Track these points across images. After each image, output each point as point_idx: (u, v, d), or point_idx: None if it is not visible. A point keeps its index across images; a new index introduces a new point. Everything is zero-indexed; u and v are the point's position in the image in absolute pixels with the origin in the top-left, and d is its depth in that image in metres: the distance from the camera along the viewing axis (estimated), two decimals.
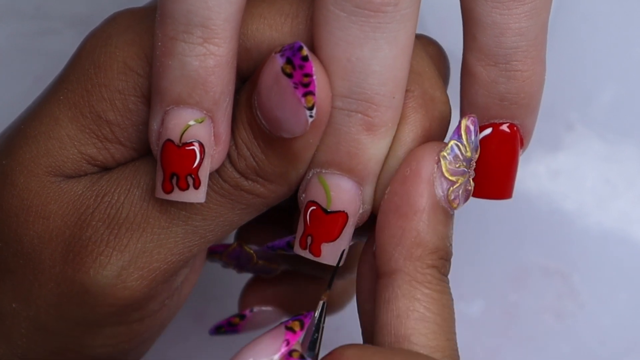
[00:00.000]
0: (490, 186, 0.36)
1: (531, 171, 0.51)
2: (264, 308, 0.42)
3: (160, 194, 0.34)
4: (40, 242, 0.35)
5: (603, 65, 0.51)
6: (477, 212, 0.51)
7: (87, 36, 0.36)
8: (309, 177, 0.35)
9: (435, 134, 0.36)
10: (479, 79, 0.35)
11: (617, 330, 0.50)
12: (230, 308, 0.50)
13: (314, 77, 0.32)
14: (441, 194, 0.34)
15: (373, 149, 0.34)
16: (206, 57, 0.33)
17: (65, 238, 0.35)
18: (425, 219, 0.34)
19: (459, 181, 0.34)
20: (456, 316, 0.50)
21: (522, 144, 0.37)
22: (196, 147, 0.34)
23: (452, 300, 0.35)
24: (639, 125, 0.51)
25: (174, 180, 0.34)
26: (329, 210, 0.35)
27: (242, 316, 0.42)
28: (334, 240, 0.35)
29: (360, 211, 0.35)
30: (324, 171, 0.35)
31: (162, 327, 0.38)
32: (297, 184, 0.36)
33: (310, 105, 0.33)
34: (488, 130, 0.36)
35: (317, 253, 0.35)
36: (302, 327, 0.32)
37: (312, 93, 0.33)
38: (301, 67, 0.33)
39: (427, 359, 0.33)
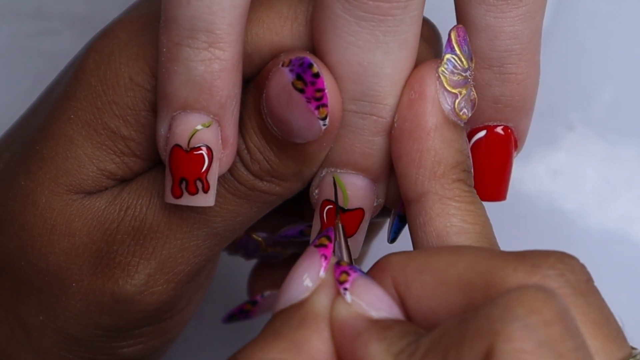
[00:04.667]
0: (484, 188, 0.37)
1: (531, 171, 0.51)
2: (274, 292, 0.43)
3: (170, 199, 0.34)
4: (67, 258, 0.36)
5: (603, 65, 0.51)
6: None
7: (88, 49, 0.36)
8: (322, 175, 0.35)
9: None
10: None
11: None
12: (231, 306, 0.50)
13: (326, 91, 0.33)
14: (448, 108, 0.34)
15: (387, 148, 0.34)
16: (211, 62, 0.33)
17: (92, 253, 0.36)
18: (439, 137, 0.34)
19: (462, 92, 0.34)
20: None
21: (517, 146, 0.37)
22: (204, 152, 0.34)
23: (484, 207, 0.35)
24: (639, 125, 0.51)
25: (183, 185, 0.34)
26: (346, 208, 0.35)
27: (253, 302, 0.43)
28: (351, 235, 0.35)
29: (375, 204, 0.35)
30: (338, 171, 0.35)
31: (187, 321, 0.39)
32: (311, 178, 0.36)
33: (323, 116, 0.33)
34: (482, 133, 0.36)
35: None
36: (330, 240, 0.32)
37: (325, 105, 0.33)
38: (313, 83, 0.33)
39: (475, 248, 0.33)
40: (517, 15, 0.35)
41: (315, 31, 0.34)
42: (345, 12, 0.33)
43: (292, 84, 0.33)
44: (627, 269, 0.50)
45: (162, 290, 0.36)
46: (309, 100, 0.33)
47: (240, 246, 0.40)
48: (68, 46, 0.50)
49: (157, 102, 0.34)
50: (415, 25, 0.33)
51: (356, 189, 0.35)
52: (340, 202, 0.35)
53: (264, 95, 0.34)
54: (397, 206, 0.36)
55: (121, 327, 0.36)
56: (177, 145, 0.34)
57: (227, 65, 0.33)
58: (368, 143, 0.34)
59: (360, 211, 0.35)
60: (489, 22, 0.35)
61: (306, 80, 0.33)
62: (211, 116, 0.34)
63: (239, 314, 0.43)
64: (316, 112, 0.33)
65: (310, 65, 0.33)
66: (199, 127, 0.34)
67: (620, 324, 0.32)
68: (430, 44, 0.36)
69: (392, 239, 0.37)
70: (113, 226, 0.35)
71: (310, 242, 0.35)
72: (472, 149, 0.36)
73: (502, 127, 0.36)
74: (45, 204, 0.36)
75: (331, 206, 0.35)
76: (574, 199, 0.51)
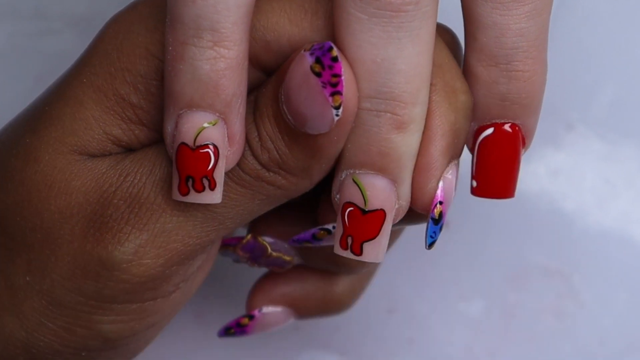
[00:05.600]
0: (492, 186, 0.37)
1: (531, 171, 0.51)
2: (272, 308, 0.43)
3: (177, 196, 0.35)
4: (61, 217, 0.36)
5: (603, 65, 0.51)
6: (477, 212, 0.51)
7: (109, 22, 0.37)
8: (342, 179, 0.35)
9: (461, 126, 0.36)
10: (480, 79, 0.35)
11: (617, 330, 0.50)
12: (231, 308, 0.50)
13: (343, 77, 0.33)
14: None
15: (404, 146, 0.34)
16: (217, 61, 0.33)
17: (86, 214, 0.36)
18: None
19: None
20: (457, 316, 0.50)
21: (524, 143, 0.37)
22: (210, 150, 0.34)
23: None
24: (639, 125, 0.51)
25: (190, 183, 0.34)
26: (366, 210, 0.35)
27: (251, 317, 0.43)
28: (374, 238, 0.35)
29: (396, 207, 0.35)
30: (357, 172, 0.35)
31: (173, 313, 0.39)
32: (320, 178, 0.36)
33: (337, 104, 0.33)
34: (490, 130, 0.36)
35: (359, 252, 0.35)
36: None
37: (339, 93, 0.33)
38: (330, 67, 0.33)
39: None
40: (524, 12, 0.35)
41: (334, 30, 0.34)
42: (357, 9, 0.33)
43: (311, 67, 0.33)
44: (627, 268, 0.50)
45: (151, 264, 0.36)
46: (324, 85, 0.33)
47: (247, 249, 0.40)
48: (68, 46, 0.50)
49: (164, 100, 0.35)
50: (428, 22, 0.34)
51: (376, 190, 0.35)
52: (361, 204, 0.35)
53: (284, 81, 0.34)
54: (429, 209, 0.36)
55: (104, 297, 0.36)
56: (184, 144, 0.34)
57: (232, 63, 0.33)
58: (384, 141, 0.34)
59: (381, 212, 0.35)
60: (495, 19, 0.35)
61: (324, 64, 0.33)
62: (217, 114, 0.34)
63: (236, 327, 0.43)
64: (330, 99, 0.33)
65: (330, 49, 0.33)
66: (205, 125, 0.34)
67: None
68: (451, 50, 0.37)
69: (430, 244, 0.37)
70: (111, 190, 0.36)
71: (335, 245, 0.36)
72: (479, 146, 0.36)
73: (509, 124, 0.36)
74: (47, 161, 0.36)
75: (352, 208, 0.35)
76: (573, 199, 0.51)
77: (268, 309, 0.43)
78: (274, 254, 0.41)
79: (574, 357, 0.50)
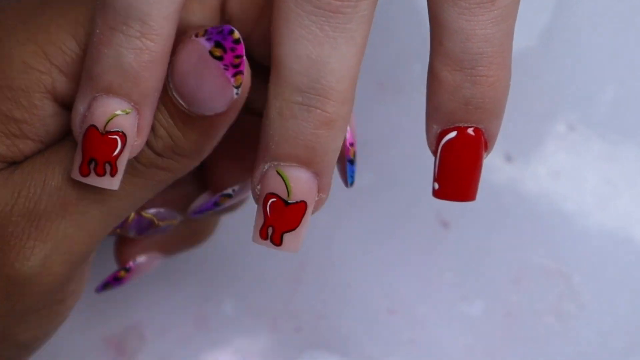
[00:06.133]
0: (453, 188, 0.37)
1: (532, 172, 0.51)
2: (145, 256, 0.44)
3: (77, 176, 0.35)
4: None
5: (603, 65, 0.51)
6: (477, 212, 0.51)
7: None
8: (264, 170, 0.36)
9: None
10: (445, 84, 0.36)
11: (618, 331, 0.50)
12: (231, 308, 0.50)
13: (244, 58, 0.34)
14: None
15: (331, 142, 0.35)
16: (142, 52, 0.34)
17: None
18: None
19: None
20: (457, 316, 0.50)
21: (487, 147, 0.37)
22: (118, 137, 0.35)
23: None
24: (639, 125, 0.51)
25: (92, 165, 0.35)
26: (289, 201, 0.36)
27: (126, 269, 0.44)
28: (294, 229, 0.36)
29: (316, 199, 0.36)
30: (282, 164, 0.35)
31: (76, 300, 0.39)
32: (207, 154, 0.37)
33: (238, 84, 0.35)
34: (453, 134, 0.36)
35: (279, 242, 0.36)
36: None
37: (241, 72, 0.35)
38: (233, 49, 0.35)
39: None
40: (489, 18, 0.35)
41: (272, 20, 0.35)
42: (297, 5, 0.34)
43: (210, 52, 0.34)
44: (628, 269, 0.50)
45: (59, 271, 0.36)
46: (226, 67, 0.34)
47: (133, 227, 0.41)
48: None
49: (80, 80, 0.35)
50: (364, 25, 0.34)
51: (300, 182, 0.35)
52: (284, 195, 0.36)
53: (171, 68, 0.35)
54: (345, 153, 0.39)
55: (18, 312, 0.36)
56: (93, 126, 0.35)
57: (156, 57, 0.34)
58: (312, 136, 0.35)
59: (302, 204, 0.36)
60: (461, 25, 0.35)
61: (226, 47, 0.34)
62: (132, 104, 0.35)
63: (114, 281, 0.44)
64: (232, 79, 0.34)
65: (232, 32, 0.34)
66: (119, 112, 0.35)
67: None
68: None
69: (351, 183, 0.39)
70: (7, 209, 0.36)
71: (253, 235, 0.36)
72: (442, 149, 0.37)
73: (472, 128, 0.36)
74: None
75: (275, 199, 0.36)
76: (574, 200, 0.51)
77: (141, 258, 0.44)
78: (161, 223, 0.42)
79: (574, 357, 0.50)
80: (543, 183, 0.51)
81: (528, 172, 0.51)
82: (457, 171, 0.37)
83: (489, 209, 0.51)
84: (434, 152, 0.37)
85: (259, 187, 0.36)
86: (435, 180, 0.37)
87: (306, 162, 0.35)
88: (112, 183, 0.35)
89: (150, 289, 0.50)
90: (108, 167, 0.35)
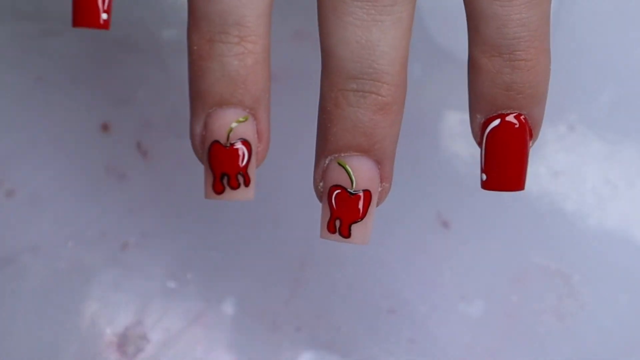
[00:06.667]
0: (502, 178, 0.37)
1: (532, 172, 0.51)
2: None
3: (211, 195, 0.35)
4: None
5: (603, 65, 0.51)
6: (477, 212, 0.51)
7: None
8: (326, 164, 0.36)
9: None
10: (485, 70, 0.36)
11: (618, 331, 0.50)
12: (231, 308, 0.50)
13: None
14: None
15: (388, 128, 0.35)
16: (245, 56, 0.34)
17: None
18: None
19: None
20: (457, 316, 0.50)
21: (532, 135, 0.37)
22: (243, 146, 0.35)
23: None
24: (639, 125, 0.51)
25: (225, 180, 0.35)
26: (353, 191, 0.36)
27: None
28: (361, 219, 0.36)
29: (379, 189, 0.36)
30: (342, 155, 0.35)
31: None
32: None
33: None
34: (496, 122, 0.37)
35: (347, 234, 0.36)
36: None
37: None
38: None
39: None
40: (524, 2, 0.35)
41: (319, 14, 0.35)
42: None
43: None
44: (628, 269, 0.50)
45: None
46: None
47: None
48: (69, 47, 0.50)
49: (190, 102, 0.35)
50: (409, 5, 0.35)
51: (362, 171, 0.35)
52: (347, 186, 0.36)
53: None
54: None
55: None
56: (216, 142, 0.35)
57: (259, 58, 0.34)
58: (370, 122, 0.35)
59: (367, 193, 0.36)
60: (496, 10, 0.35)
61: None
62: (247, 110, 0.35)
63: None
64: None
65: None
66: (236, 122, 0.34)
67: None
68: None
69: None
70: None
71: (321, 230, 0.36)
72: (487, 138, 0.37)
73: (515, 115, 0.36)
74: None
75: (339, 191, 0.36)
76: (574, 200, 0.51)
77: None
78: None
79: (574, 357, 0.50)
80: (543, 183, 0.51)
81: (528, 172, 0.51)
82: (503, 160, 0.37)
83: (489, 209, 0.51)
84: (479, 143, 0.37)
85: (321, 184, 0.36)
86: (482, 171, 0.37)
87: (366, 150, 0.35)
88: (248, 194, 0.35)
89: (151, 289, 0.50)
90: (241, 179, 0.35)
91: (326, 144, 0.35)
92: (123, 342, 0.49)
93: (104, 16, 0.34)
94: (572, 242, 0.51)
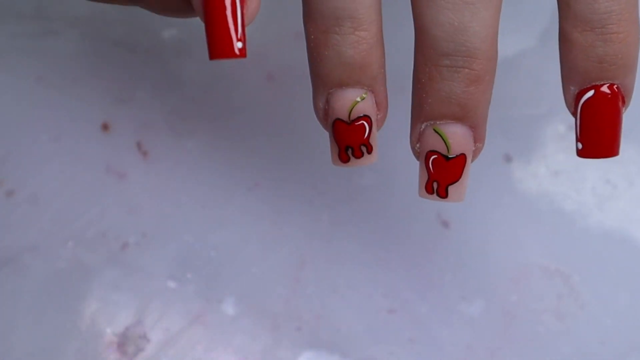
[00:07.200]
0: (598, 146, 0.39)
1: (532, 171, 0.51)
2: None
3: (338, 163, 0.38)
4: None
5: None
6: (477, 212, 0.51)
7: None
8: (422, 129, 0.38)
9: None
10: (577, 44, 0.37)
11: (618, 330, 0.50)
12: (231, 308, 0.50)
13: None
14: None
15: (480, 97, 0.37)
16: (359, 44, 0.36)
17: None
18: None
19: None
20: (456, 316, 0.50)
21: (624, 102, 0.39)
22: (365, 121, 0.38)
23: None
24: (639, 125, 0.51)
25: (350, 152, 0.38)
26: (449, 156, 0.38)
27: None
28: (457, 180, 0.38)
29: (473, 149, 0.38)
30: (438, 122, 0.38)
31: None
32: None
33: None
34: (590, 93, 0.38)
35: (444, 195, 0.39)
36: None
37: None
38: None
39: None
40: None
41: None
42: None
43: None
44: (628, 269, 0.50)
45: None
46: None
47: None
48: (69, 47, 0.50)
49: (311, 80, 0.37)
50: None
51: (457, 137, 0.38)
52: (444, 151, 0.38)
53: None
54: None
55: None
56: (339, 119, 0.37)
57: (372, 43, 0.36)
58: (463, 94, 0.37)
59: (462, 157, 0.38)
60: None
61: None
62: (365, 88, 0.37)
63: None
64: None
65: None
66: (357, 99, 0.37)
67: None
68: None
69: None
70: None
71: (419, 190, 0.39)
72: (582, 108, 0.38)
73: (608, 85, 0.38)
74: None
75: (436, 156, 0.38)
76: (574, 199, 0.51)
77: None
78: None
79: (574, 357, 0.50)
80: (543, 183, 0.51)
81: (528, 172, 0.51)
82: (598, 128, 0.38)
83: (489, 209, 0.51)
84: (574, 114, 0.39)
85: (418, 145, 0.38)
86: (578, 140, 0.39)
87: (460, 118, 0.37)
88: (371, 159, 0.38)
89: (151, 289, 0.50)
90: (364, 148, 0.38)
91: (421, 111, 0.37)
92: (123, 341, 0.49)
93: (239, 45, 0.36)
94: (572, 242, 0.51)
